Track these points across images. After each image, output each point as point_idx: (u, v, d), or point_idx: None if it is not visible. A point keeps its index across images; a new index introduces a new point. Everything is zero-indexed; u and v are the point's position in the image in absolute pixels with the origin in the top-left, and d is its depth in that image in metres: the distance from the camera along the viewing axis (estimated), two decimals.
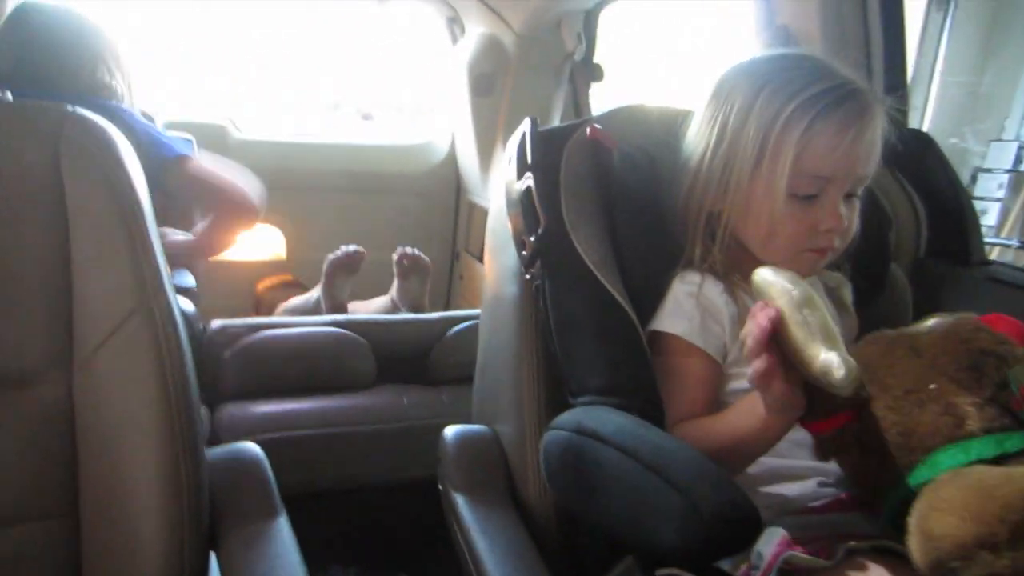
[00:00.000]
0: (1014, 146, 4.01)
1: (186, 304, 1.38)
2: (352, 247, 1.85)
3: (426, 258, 1.90)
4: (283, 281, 2.16)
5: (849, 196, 0.85)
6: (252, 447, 0.90)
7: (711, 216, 0.88)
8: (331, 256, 1.84)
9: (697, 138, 0.89)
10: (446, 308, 2.50)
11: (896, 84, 1.35)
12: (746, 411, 0.74)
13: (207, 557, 0.79)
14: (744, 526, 0.62)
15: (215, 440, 1.23)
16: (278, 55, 3.04)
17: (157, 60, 2.61)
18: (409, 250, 1.88)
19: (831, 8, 1.33)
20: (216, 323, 1.40)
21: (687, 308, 0.86)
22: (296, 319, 1.47)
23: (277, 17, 2.84)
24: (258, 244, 2.31)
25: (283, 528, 0.82)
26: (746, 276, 0.86)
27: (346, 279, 1.86)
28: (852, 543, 0.67)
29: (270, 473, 0.88)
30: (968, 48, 3.99)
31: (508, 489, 0.97)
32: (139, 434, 0.74)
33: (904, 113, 1.37)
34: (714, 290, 0.87)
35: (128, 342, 0.74)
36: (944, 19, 3.83)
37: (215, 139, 2.18)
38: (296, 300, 1.92)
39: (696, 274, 0.88)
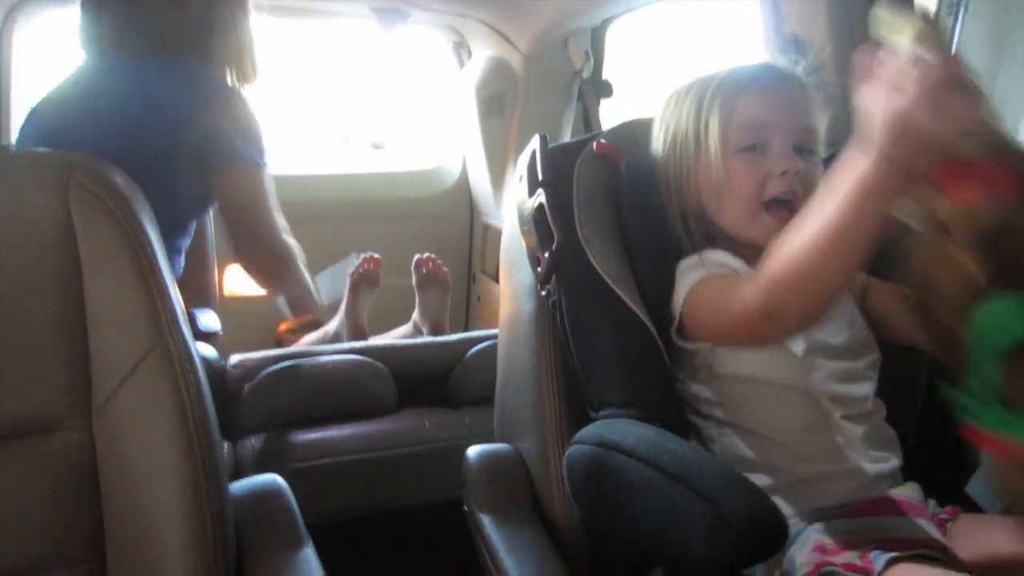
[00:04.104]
0: None
1: (206, 349, 1.38)
2: (366, 253, 1.86)
3: (445, 269, 1.91)
4: (306, 323, 2.16)
5: (802, 151, 0.85)
6: (275, 479, 0.90)
7: (687, 215, 0.90)
8: (349, 270, 1.85)
9: (657, 148, 0.93)
10: (465, 330, 2.50)
11: None
12: (842, 183, 0.60)
13: None
14: (771, 534, 0.61)
15: (238, 474, 1.23)
16: (286, 90, 3.08)
17: None
18: (427, 255, 1.88)
19: (839, 14, 1.33)
20: (235, 357, 1.40)
21: (698, 268, 0.85)
22: (314, 348, 1.48)
23: (284, 52, 2.88)
24: None
25: (309, 559, 0.82)
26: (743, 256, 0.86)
27: (368, 294, 1.87)
28: (894, 554, 0.66)
29: (294, 504, 0.88)
30: (980, 50, 3.98)
31: (534, 506, 0.96)
32: (161, 473, 0.74)
33: None
34: (716, 253, 0.87)
35: (146, 382, 0.74)
36: (955, 23, 3.84)
37: None
38: (312, 336, 1.92)
39: (694, 255, 0.88)
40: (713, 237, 0.89)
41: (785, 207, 0.84)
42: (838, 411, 0.82)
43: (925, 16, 0.62)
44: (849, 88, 1.12)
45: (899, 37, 0.58)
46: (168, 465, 0.74)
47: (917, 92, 0.54)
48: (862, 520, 0.75)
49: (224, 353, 1.45)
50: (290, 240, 1.44)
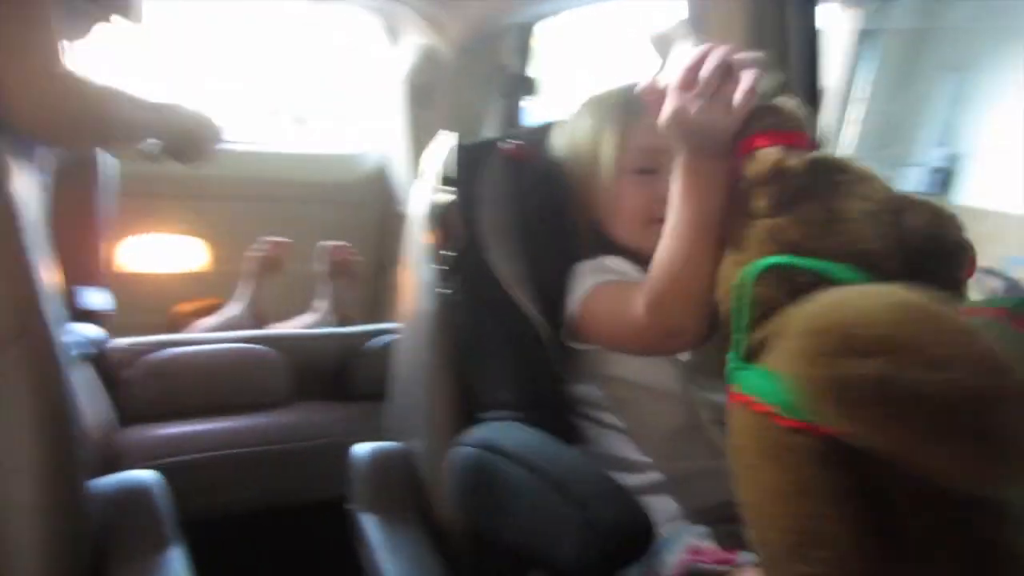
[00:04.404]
0: (921, 170, 4.29)
1: (89, 329, 1.30)
2: (276, 238, 1.79)
3: (357, 257, 1.87)
4: (206, 306, 2.06)
5: None
6: (145, 474, 0.86)
7: (585, 223, 0.90)
8: (254, 254, 1.78)
9: (560, 156, 0.93)
10: (375, 322, 2.46)
11: (809, 105, 1.38)
12: (675, 204, 0.69)
13: None
14: (638, 538, 0.63)
15: (114, 468, 1.16)
16: (207, 56, 2.95)
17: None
18: (339, 244, 1.83)
19: (757, 26, 1.36)
20: (115, 342, 1.32)
21: (595, 274, 0.85)
22: (205, 335, 1.41)
23: (205, 15, 2.75)
24: (181, 256, 2.22)
25: (176, 558, 0.78)
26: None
27: (271, 280, 1.80)
28: None
29: (165, 501, 0.84)
30: (888, 75, 4.24)
31: (419, 506, 0.95)
32: (13, 467, 0.69)
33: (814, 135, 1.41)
34: (616, 260, 0.87)
35: (3, 372, 0.69)
36: (866, 50, 4.10)
37: None
38: (209, 320, 1.85)
39: (592, 260, 0.88)
40: (610, 246, 0.90)
41: None
42: (714, 415, 0.82)
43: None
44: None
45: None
46: (20, 459, 0.69)
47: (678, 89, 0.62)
48: (738, 525, 0.77)
49: (114, 335, 1.37)
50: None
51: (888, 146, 4.31)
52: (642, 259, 0.87)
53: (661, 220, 0.83)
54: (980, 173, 4.27)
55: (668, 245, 0.70)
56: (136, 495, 0.83)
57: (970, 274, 0.65)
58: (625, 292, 0.80)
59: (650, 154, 0.85)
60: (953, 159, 4.32)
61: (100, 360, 1.27)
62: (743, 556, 0.69)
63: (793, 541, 0.51)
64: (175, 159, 1.21)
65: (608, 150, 0.86)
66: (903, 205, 0.64)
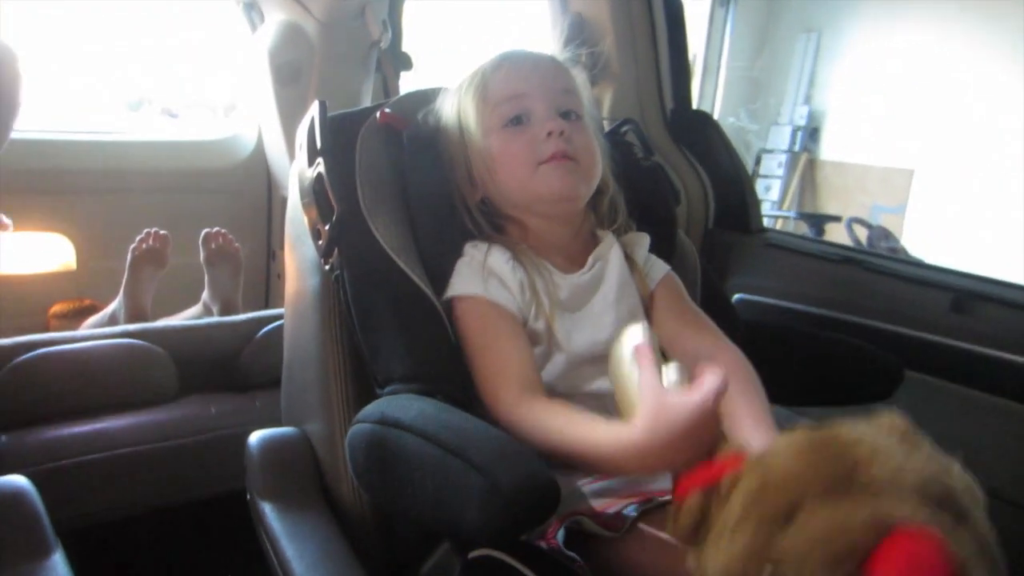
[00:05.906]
0: (789, 129, 4.54)
1: None
2: (155, 229, 1.71)
3: (236, 244, 1.80)
4: (80, 307, 1.94)
5: (567, 115, 0.88)
6: (14, 480, 0.80)
7: (468, 203, 0.91)
8: (133, 246, 1.69)
9: (435, 136, 0.93)
10: (268, 309, 2.38)
11: (679, 67, 1.43)
12: (614, 440, 0.65)
13: None
14: (544, 499, 0.62)
15: None
16: (66, 46, 2.75)
17: None
18: (216, 229, 1.76)
19: (621, 8, 1.39)
20: None
21: (475, 274, 0.86)
22: (80, 332, 1.32)
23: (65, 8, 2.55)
24: (44, 255, 2.08)
25: (56, 565, 0.74)
26: (532, 247, 0.88)
27: (153, 274, 1.71)
28: (645, 503, 0.69)
29: (39, 507, 0.78)
30: (746, 39, 4.44)
31: (320, 491, 0.93)
32: None
33: (688, 95, 1.47)
34: (500, 258, 0.87)
35: None
36: (726, 14, 4.29)
37: None
38: (90, 320, 1.74)
39: (484, 243, 0.89)
40: (498, 223, 0.91)
41: (562, 157, 0.86)
42: (590, 403, 0.79)
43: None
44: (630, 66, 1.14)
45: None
46: None
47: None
48: (617, 480, 0.79)
49: None
50: None
51: (753, 105, 4.54)
52: (529, 231, 0.90)
53: (545, 160, 0.85)
54: (841, 128, 4.56)
55: (566, 447, 0.69)
56: (6, 501, 0.77)
57: None
58: (502, 346, 0.81)
59: (513, 101, 0.86)
60: (816, 116, 4.59)
61: None
62: (630, 519, 0.71)
63: None
64: None
65: (471, 114, 0.88)
66: None
